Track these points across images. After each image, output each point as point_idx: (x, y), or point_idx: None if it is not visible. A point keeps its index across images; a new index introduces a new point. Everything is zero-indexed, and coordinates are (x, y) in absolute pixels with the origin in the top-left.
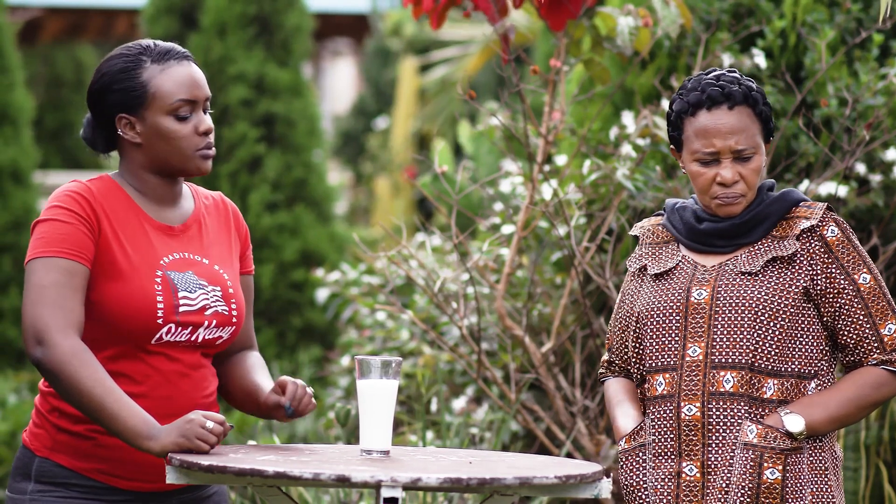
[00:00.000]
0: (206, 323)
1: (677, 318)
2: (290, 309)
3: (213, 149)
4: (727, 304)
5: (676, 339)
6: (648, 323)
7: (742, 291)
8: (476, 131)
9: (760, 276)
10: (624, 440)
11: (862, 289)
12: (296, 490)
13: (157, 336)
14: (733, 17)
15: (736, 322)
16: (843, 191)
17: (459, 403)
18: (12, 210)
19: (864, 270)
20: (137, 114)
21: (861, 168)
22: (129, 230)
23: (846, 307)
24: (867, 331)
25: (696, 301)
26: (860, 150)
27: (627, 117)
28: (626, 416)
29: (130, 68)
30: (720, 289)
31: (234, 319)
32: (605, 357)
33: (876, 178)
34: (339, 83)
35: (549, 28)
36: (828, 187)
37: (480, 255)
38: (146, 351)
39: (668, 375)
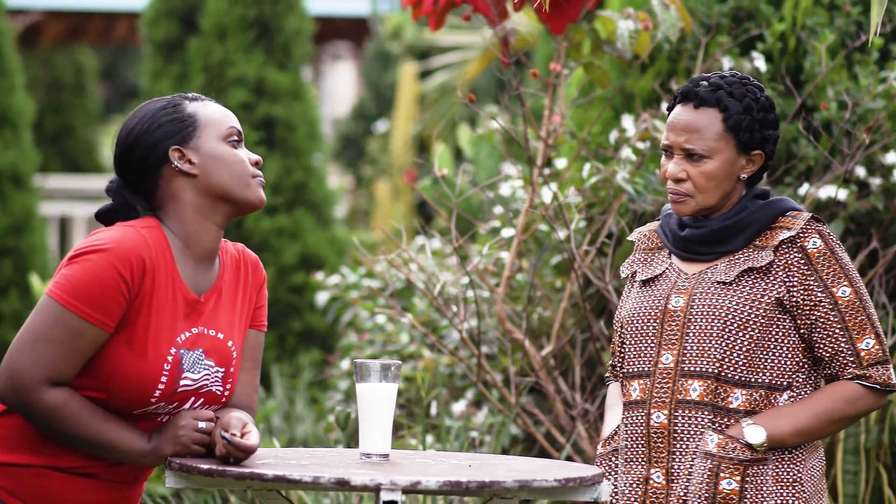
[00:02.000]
0: (194, 400)
1: (655, 324)
2: (290, 312)
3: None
4: (700, 313)
5: (653, 345)
6: (629, 329)
7: (714, 300)
8: (476, 135)
9: (734, 285)
10: (601, 444)
11: (840, 302)
12: (295, 494)
13: (143, 409)
14: (733, 21)
15: (706, 331)
16: (842, 194)
17: (459, 407)
18: (12, 213)
19: (845, 283)
20: (190, 143)
21: (861, 171)
22: (163, 300)
23: (822, 320)
24: (843, 345)
25: (672, 308)
26: (860, 153)
27: (627, 121)
28: (609, 421)
29: (171, 105)
30: (695, 297)
31: (223, 399)
32: (610, 361)
33: (876, 182)
34: (339, 87)
35: (548, 31)
36: (828, 191)
37: (480, 258)
38: (128, 416)
39: (642, 382)
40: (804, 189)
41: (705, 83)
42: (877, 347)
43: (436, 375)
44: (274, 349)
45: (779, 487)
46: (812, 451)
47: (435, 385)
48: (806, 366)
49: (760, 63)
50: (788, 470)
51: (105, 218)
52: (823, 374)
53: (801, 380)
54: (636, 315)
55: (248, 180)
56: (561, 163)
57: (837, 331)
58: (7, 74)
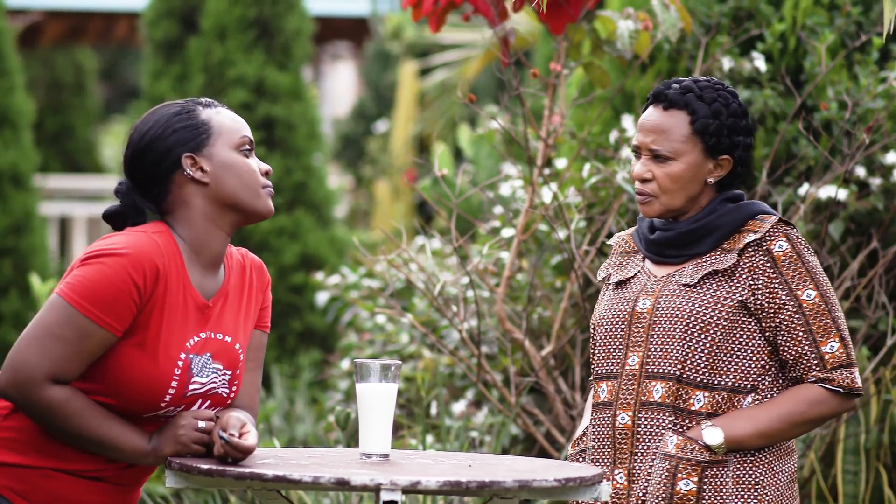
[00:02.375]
0: (201, 402)
1: (623, 326)
2: (290, 312)
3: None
4: (664, 316)
5: (620, 347)
6: (600, 331)
7: (678, 303)
8: (476, 135)
9: (698, 288)
10: (570, 444)
11: (804, 305)
12: (295, 494)
13: (153, 413)
14: (733, 21)
15: (669, 333)
16: (843, 194)
17: (459, 407)
18: (12, 213)
19: (810, 286)
20: (203, 151)
21: (861, 171)
22: (174, 305)
23: (786, 323)
24: (807, 347)
25: (640, 311)
26: (860, 153)
27: (627, 121)
28: (582, 422)
29: (185, 111)
30: (661, 300)
31: (229, 402)
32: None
33: (876, 182)
34: (338, 87)
35: (548, 32)
36: (828, 191)
37: (480, 258)
38: (137, 419)
39: (610, 383)
40: (804, 189)
41: (676, 85)
42: (841, 351)
43: (436, 375)
44: (274, 349)
45: (739, 490)
46: (781, 455)
47: (435, 385)
48: (772, 368)
49: (760, 63)
50: (750, 473)
51: (113, 219)
52: (789, 376)
53: (767, 382)
54: (606, 317)
55: (258, 190)
56: (561, 163)
57: (801, 334)
58: (7, 74)
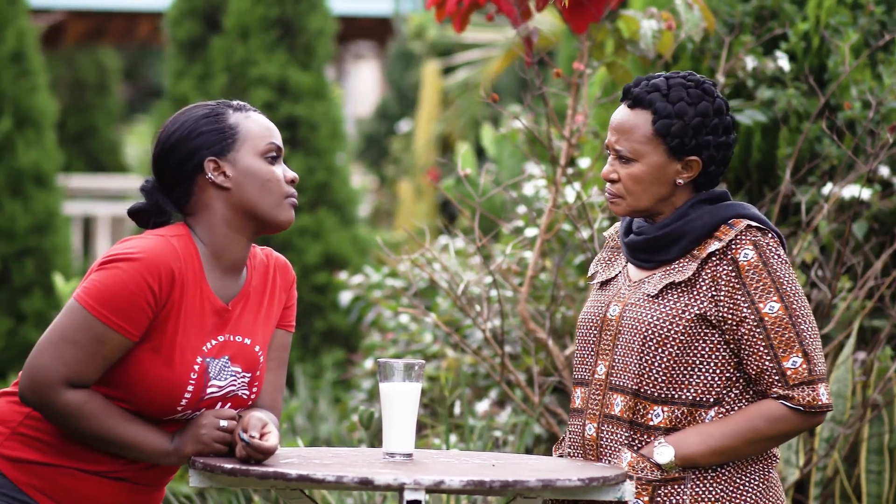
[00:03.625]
0: (221, 404)
1: (595, 332)
2: (313, 312)
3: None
4: (627, 326)
5: (592, 354)
6: (578, 333)
7: (639, 314)
8: (499, 134)
9: (658, 299)
10: (553, 448)
11: (766, 318)
12: (319, 493)
13: (171, 416)
14: (756, 20)
15: (629, 345)
16: (866, 194)
17: (483, 406)
18: (35, 213)
19: (774, 299)
20: (227, 156)
21: (885, 171)
22: (191, 310)
23: (747, 337)
24: (768, 363)
25: (610, 318)
26: (884, 152)
27: None
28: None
29: (214, 114)
30: (627, 308)
31: (249, 403)
32: None
33: None
34: (361, 86)
35: (571, 31)
36: (851, 190)
37: (504, 258)
38: (155, 421)
39: (583, 390)
40: (828, 188)
41: (646, 82)
42: (804, 367)
43: (459, 375)
44: (297, 349)
45: None
46: (747, 466)
47: (458, 384)
48: (739, 381)
49: (784, 62)
50: (711, 489)
51: (137, 216)
52: (755, 390)
53: (733, 395)
54: (583, 321)
55: (280, 200)
56: (584, 162)
57: (762, 348)
58: (30, 74)
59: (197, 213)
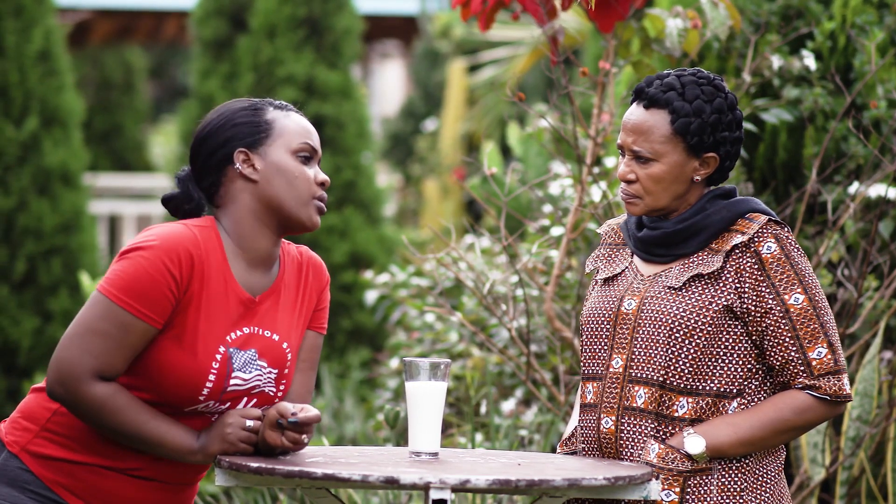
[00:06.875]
0: (247, 400)
1: (608, 327)
2: (339, 311)
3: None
4: (648, 318)
5: (605, 348)
6: (586, 329)
7: (662, 306)
8: (525, 133)
9: (682, 291)
10: (559, 445)
11: (791, 310)
12: (344, 492)
13: (193, 407)
14: (782, 19)
15: (653, 337)
16: (892, 192)
17: (508, 405)
18: (62, 212)
19: (798, 290)
20: (259, 149)
21: None
22: (213, 298)
23: (772, 328)
24: (794, 353)
25: (625, 311)
26: None
27: None
28: (571, 422)
29: (253, 108)
30: (646, 301)
31: (276, 400)
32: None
33: None
34: (387, 85)
35: (597, 30)
36: (878, 189)
37: (529, 257)
38: (178, 413)
39: (596, 384)
40: (854, 187)
41: (658, 82)
42: (829, 357)
43: (485, 374)
44: (323, 347)
45: (723, 497)
46: (763, 457)
47: (484, 383)
48: (759, 372)
49: (810, 61)
50: (735, 479)
51: (168, 203)
52: (775, 381)
53: (753, 386)
54: (592, 316)
55: (307, 199)
56: (610, 161)
57: (788, 339)
58: (57, 73)
59: (224, 205)
